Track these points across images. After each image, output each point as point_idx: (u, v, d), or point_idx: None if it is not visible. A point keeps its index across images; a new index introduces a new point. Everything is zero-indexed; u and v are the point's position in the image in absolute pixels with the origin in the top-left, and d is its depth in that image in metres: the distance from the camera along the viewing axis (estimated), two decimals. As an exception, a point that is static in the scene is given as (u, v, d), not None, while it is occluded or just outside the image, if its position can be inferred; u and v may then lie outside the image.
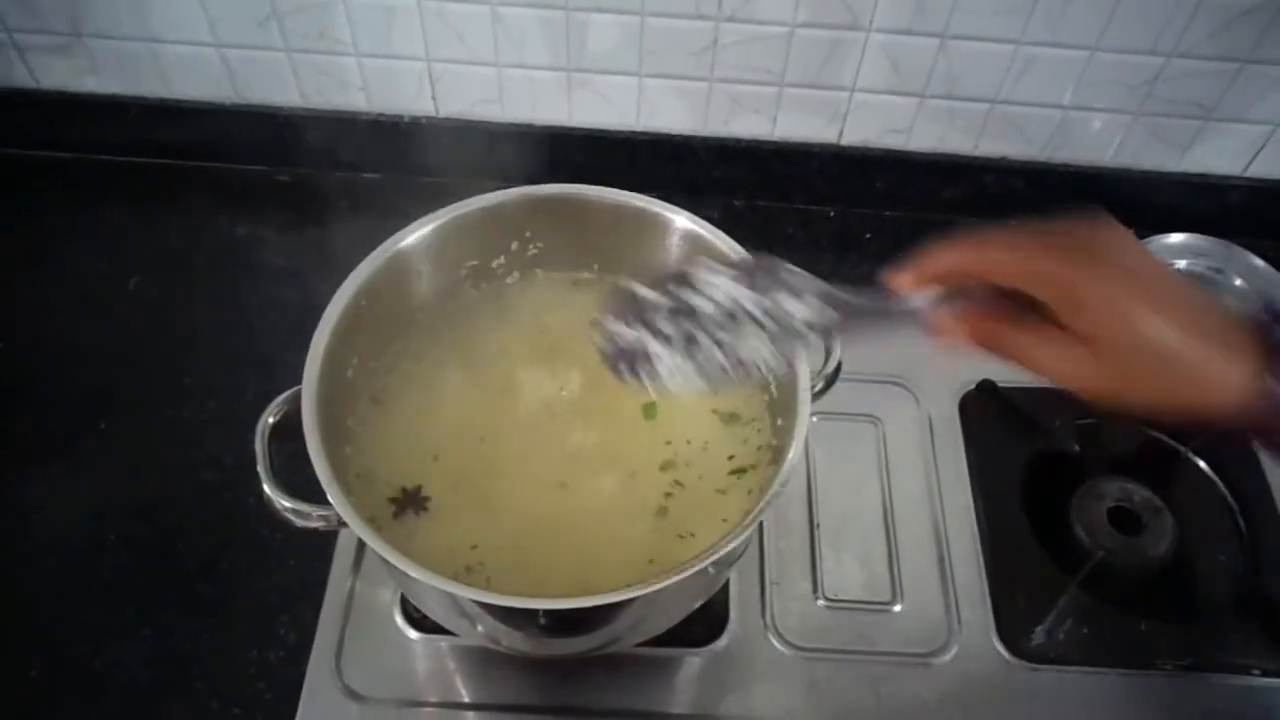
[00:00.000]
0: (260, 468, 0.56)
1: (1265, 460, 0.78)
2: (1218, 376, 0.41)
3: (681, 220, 0.65)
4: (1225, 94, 0.87)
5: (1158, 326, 0.41)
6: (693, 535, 0.61)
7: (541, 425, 0.65)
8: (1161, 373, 0.42)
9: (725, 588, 0.71)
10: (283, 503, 0.55)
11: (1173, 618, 0.70)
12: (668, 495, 0.63)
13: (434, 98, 0.92)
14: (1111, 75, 0.86)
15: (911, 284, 0.47)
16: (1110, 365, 0.42)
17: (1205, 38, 0.82)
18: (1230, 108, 0.88)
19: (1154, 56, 0.84)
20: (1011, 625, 0.70)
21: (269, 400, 0.57)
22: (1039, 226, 0.44)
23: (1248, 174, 0.94)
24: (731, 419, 0.66)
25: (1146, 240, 0.95)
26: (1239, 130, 0.90)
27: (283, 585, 0.71)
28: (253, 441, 0.56)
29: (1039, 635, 0.69)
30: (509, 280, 0.71)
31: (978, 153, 0.94)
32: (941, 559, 0.73)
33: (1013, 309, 0.44)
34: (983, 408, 0.80)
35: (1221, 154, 0.93)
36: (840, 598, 0.71)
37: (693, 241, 0.65)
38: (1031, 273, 0.43)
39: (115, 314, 0.87)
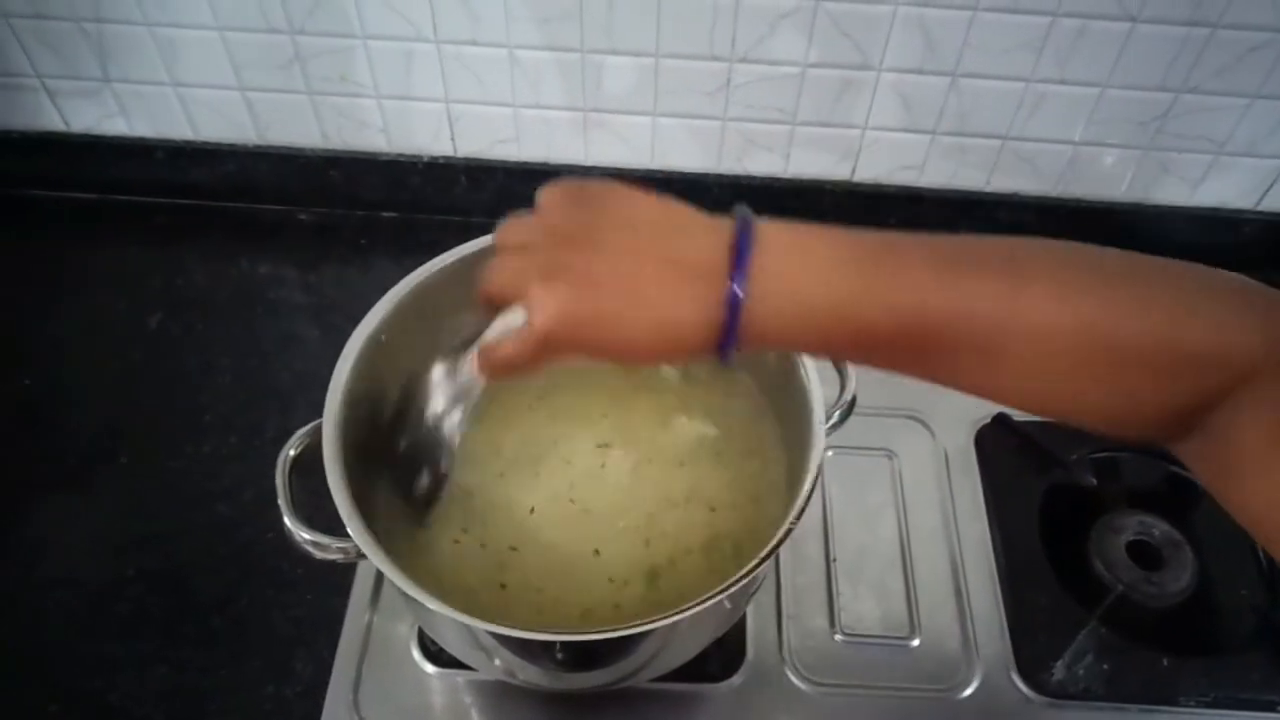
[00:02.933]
0: (281, 500, 0.56)
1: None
2: (676, 339, 0.41)
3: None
4: (1236, 128, 0.87)
5: (601, 303, 0.41)
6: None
7: (565, 461, 0.66)
8: (612, 339, 0.42)
9: (742, 622, 0.70)
10: (302, 534, 0.55)
11: (1195, 652, 0.69)
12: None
13: (452, 138, 0.94)
14: (1122, 111, 0.87)
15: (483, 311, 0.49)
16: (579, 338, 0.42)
17: (1214, 74, 0.83)
18: (1241, 142, 0.89)
19: (1163, 93, 0.85)
20: (1031, 660, 0.69)
21: (289, 436, 0.58)
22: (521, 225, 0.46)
23: (1261, 207, 0.95)
24: (749, 454, 0.66)
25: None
26: (1251, 164, 0.91)
27: (300, 620, 0.72)
28: (272, 476, 0.57)
29: (1059, 670, 0.68)
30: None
31: (990, 188, 0.95)
32: (959, 593, 0.73)
33: None
34: (998, 441, 0.80)
35: (1234, 188, 0.93)
36: (857, 632, 0.71)
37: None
38: (500, 290, 0.45)
39: (136, 351, 0.88)
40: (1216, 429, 0.40)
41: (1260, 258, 0.95)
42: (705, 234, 0.43)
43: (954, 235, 0.42)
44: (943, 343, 0.41)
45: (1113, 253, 0.42)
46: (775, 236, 0.42)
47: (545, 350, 0.44)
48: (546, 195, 0.46)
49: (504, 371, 0.47)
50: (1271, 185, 0.93)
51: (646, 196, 0.45)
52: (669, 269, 0.42)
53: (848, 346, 0.43)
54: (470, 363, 0.50)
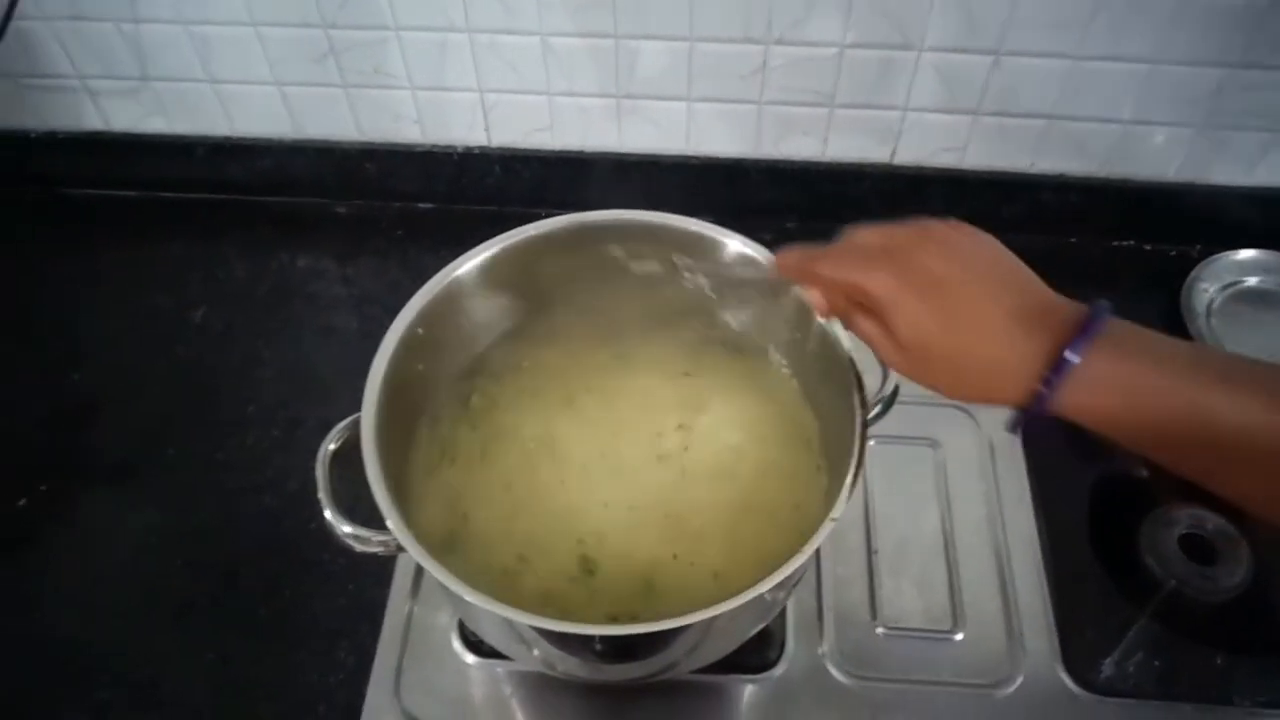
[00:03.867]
0: (321, 494, 0.56)
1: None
2: (1004, 370, 0.45)
3: (735, 244, 0.65)
4: (1295, 104, 0.84)
5: (944, 337, 0.46)
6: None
7: (613, 446, 0.66)
8: (950, 372, 0.48)
9: (782, 614, 0.70)
10: (343, 528, 0.56)
11: (1250, 651, 0.67)
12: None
13: (486, 128, 0.94)
14: (1174, 88, 0.84)
15: (781, 275, 0.55)
16: (913, 359, 0.48)
17: (1274, 47, 0.80)
18: (1301, 118, 0.86)
19: (1219, 68, 0.82)
20: (1079, 656, 0.68)
21: (330, 427, 0.58)
22: (878, 232, 0.50)
23: (1320, 186, 0.91)
24: (789, 440, 0.66)
25: (1213, 258, 0.92)
26: (1310, 141, 0.88)
27: (343, 610, 0.72)
28: (314, 468, 0.57)
29: (1108, 667, 0.67)
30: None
31: (1034, 170, 0.92)
32: (1004, 587, 0.71)
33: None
34: (1045, 430, 0.78)
35: (1293, 166, 0.90)
36: (899, 625, 0.70)
37: (746, 263, 0.65)
38: (839, 284, 0.50)
39: (181, 344, 0.90)
40: None
41: (1321, 240, 0.92)
42: (1057, 304, 0.47)
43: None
44: (1235, 453, 0.43)
45: None
46: (1121, 326, 0.45)
47: (860, 325, 0.51)
48: (898, 228, 0.50)
49: (805, 275, 0.52)
50: (1334, 162, 0.89)
51: (1000, 250, 0.49)
52: (1017, 323, 0.46)
53: (1146, 442, 0.45)
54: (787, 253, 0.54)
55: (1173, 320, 0.89)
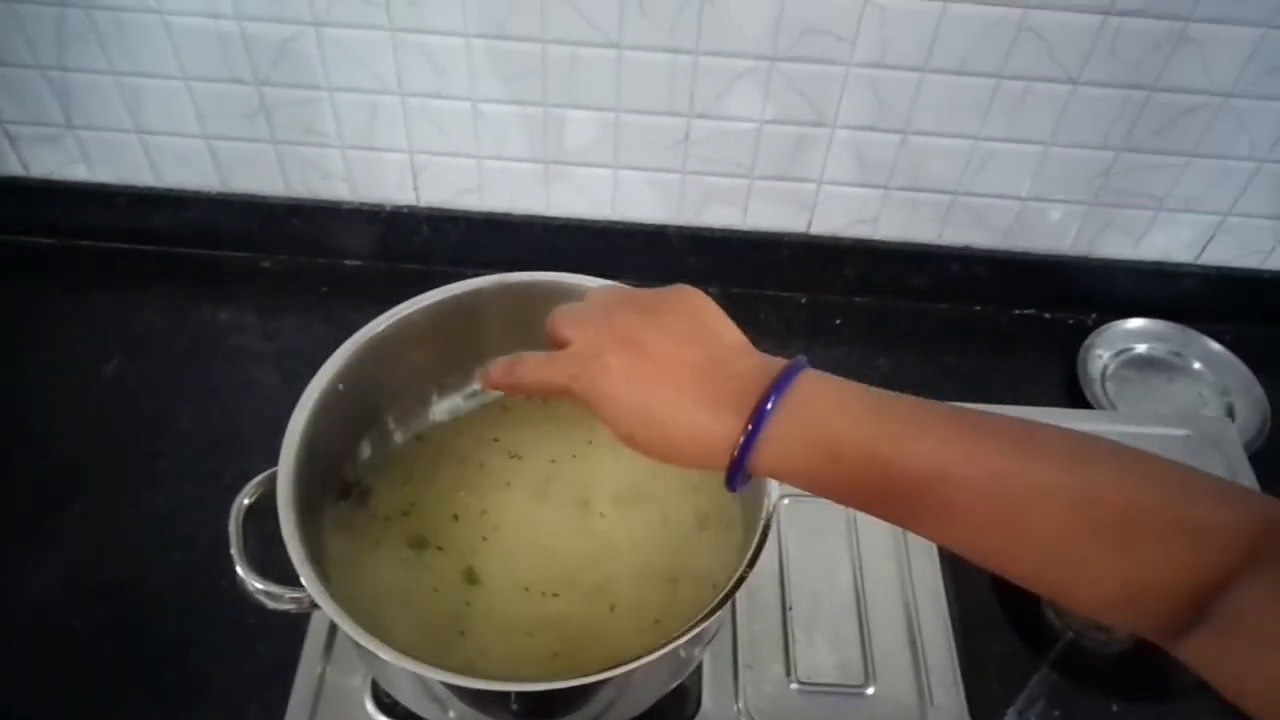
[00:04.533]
0: (234, 549, 0.56)
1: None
2: (704, 445, 0.45)
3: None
4: (1175, 185, 0.91)
5: (642, 408, 0.46)
6: (657, 622, 0.61)
7: (527, 512, 0.66)
8: (657, 438, 0.47)
9: (698, 670, 0.70)
10: (255, 585, 0.55)
11: (1144, 698, 0.71)
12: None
13: (415, 188, 0.95)
14: (1066, 168, 0.90)
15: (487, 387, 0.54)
16: (623, 431, 0.47)
17: (1152, 134, 0.87)
18: (1181, 198, 0.92)
19: (1105, 151, 0.88)
20: (984, 707, 0.70)
21: (245, 484, 0.58)
22: (580, 316, 0.51)
23: (1201, 261, 0.98)
24: (704, 498, 0.67)
25: (1106, 326, 0.98)
26: (1190, 219, 0.94)
27: (253, 671, 0.71)
28: (227, 523, 0.57)
29: (1010, 718, 0.69)
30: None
31: (942, 241, 0.97)
32: (913, 641, 0.73)
33: None
34: (951, 489, 0.82)
35: (1175, 242, 0.97)
36: (813, 680, 0.71)
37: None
38: (544, 388, 0.50)
39: (91, 397, 0.88)
40: (1227, 612, 0.38)
41: (1202, 310, 0.98)
42: (756, 365, 0.47)
43: (970, 408, 0.44)
44: (954, 501, 0.42)
45: (1105, 439, 0.43)
46: (814, 382, 0.45)
47: (561, 392, 0.49)
48: (616, 293, 0.52)
49: (510, 385, 0.52)
50: (1210, 240, 0.96)
51: (713, 322, 0.49)
52: (719, 384, 0.46)
53: (857, 493, 0.45)
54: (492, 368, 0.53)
55: (1071, 384, 0.94)
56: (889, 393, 0.45)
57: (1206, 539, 0.39)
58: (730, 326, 0.49)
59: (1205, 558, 0.38)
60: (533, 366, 0.51)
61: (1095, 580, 0.41)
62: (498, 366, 0.53)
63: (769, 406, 0.44)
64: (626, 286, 0.53)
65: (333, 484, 0.65)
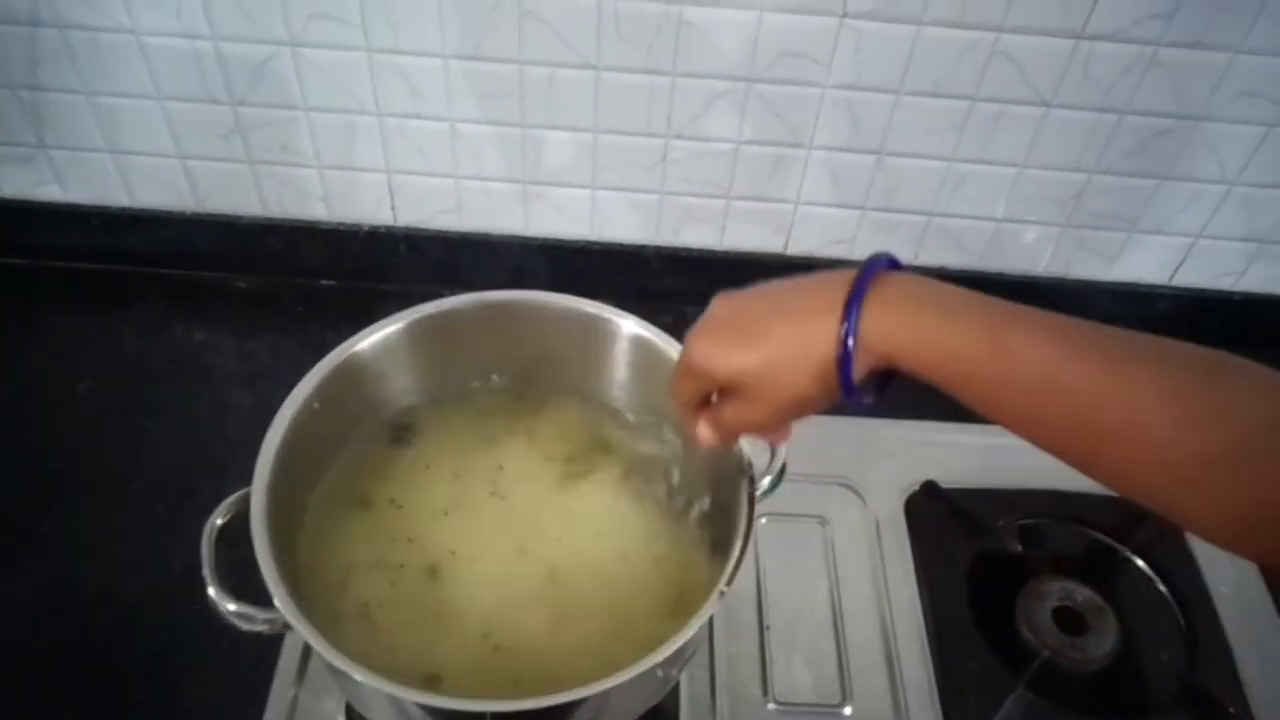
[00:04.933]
0: (206, 570, 0.55)
1: (1200, 558, 0.80)
2: (812, 350, 0.47)
3: (629, 325, 0.67)
4: (1147, 207, 0.92)
5: (753, 358, 0.49)
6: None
7: (499, 536, 0.66)
8: (782, 391, 0.49)
9: (676, 690, 0.70)
10: (227, 606, 0.54)
11: (1119, 716, 0.71)
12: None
13: (393, 208, 0.95)
14: (1039, 190, 0.91)
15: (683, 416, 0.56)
16: (756, 408, 0.51)
17: (1124, 156, 0.88)
18: (1153, 220, 0.93)
19: (1078, 173, 0.89)
20: (961, 727, 0.70)
21: (219, 504, 0.57)
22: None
23: (1173, 283, 0.99)
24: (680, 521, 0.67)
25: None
26: (1162, 242, 0.95)
27: (226, 693, 0.70)
28: (200, 545, 0.56)
29: (988, 736, 0.69)
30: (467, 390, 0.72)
31: (918, 262, 0.98)
32: (890, 659, 0.73)
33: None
34: (928, 508, 0.82)
35: (1148, 264, 0.98)
36: (790, 700, 0.71)
37: (640, 345, 0.67)
38: (685, 379, 0.53)
39: (64, 418, 0.87)
40: None
41: (1175, 332, 0.99)
42: (836, 283, 0.47)
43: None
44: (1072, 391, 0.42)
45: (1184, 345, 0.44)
46: (896, 279, 0.46)
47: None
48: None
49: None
50: (1182, 262, 0.97)
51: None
52: (811, 301, 0.48)
53: (951, 380, 0.45)
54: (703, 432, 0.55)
55: (1045, 405, 0.94)
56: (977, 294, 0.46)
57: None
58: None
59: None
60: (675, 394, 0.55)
61: (1221, 501, 0.41)
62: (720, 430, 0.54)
63: (861, 286, 0.45)
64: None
65: (308, 504, 0.65)
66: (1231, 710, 0.70)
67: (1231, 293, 0.99)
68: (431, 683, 0.58)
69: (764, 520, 0.80)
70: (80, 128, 0.89)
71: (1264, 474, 0.39)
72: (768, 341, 0.48)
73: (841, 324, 0.45)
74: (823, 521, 0.81)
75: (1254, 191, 0.90)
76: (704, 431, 0.55)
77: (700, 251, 0.97)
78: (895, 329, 0.45)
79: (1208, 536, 0.43)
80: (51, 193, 0.95)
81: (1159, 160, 0.88)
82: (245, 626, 0.54)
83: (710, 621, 0.54)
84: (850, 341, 0.45)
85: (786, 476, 0.63)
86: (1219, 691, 0.72)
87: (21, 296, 0.97)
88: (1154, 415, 0.41)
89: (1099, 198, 0.91)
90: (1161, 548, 0.80)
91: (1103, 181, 0.90)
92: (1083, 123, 0.85)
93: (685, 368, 0.53)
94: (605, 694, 0.50)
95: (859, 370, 0.46)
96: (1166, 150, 0.87)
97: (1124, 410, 0.41)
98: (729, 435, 0.55)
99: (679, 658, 0.56)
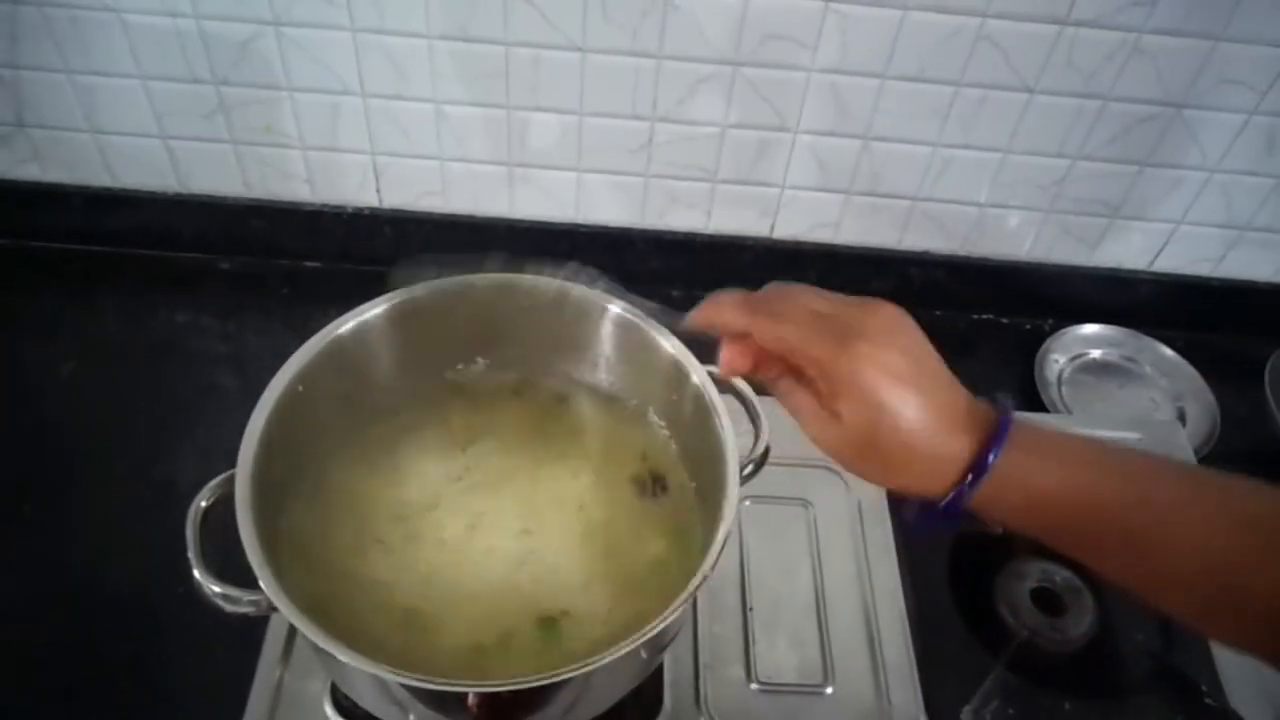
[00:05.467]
0: (191, 553, 0.55)
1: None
2: (936, 466, 0.46)
3: (616, 308, 0.67)
4: (1129, 194, 0.93)
5: (892, 419, 0.46)
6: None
7: (488, 517, 0.66)
8: (886, 457, 0.47)
9: (659, 671, 0.70)
10: (212, 588, 0.54)
11: (1096, 695, 0.72)
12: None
13: (378, 190, 0.95)
14: (1023, 175, 0.92)
15: (700, 327, 0.54)
16: (849, 441, 0.48)
17: (1106, 142, 0.88)
18: (1134, 207, 0.94)
19: (1061, 159, 0.90)
20: (941, 706, 0.71)
21: (203, 486, 0.57)
22: (820, 297, 0.50)
23: (1154, 268, 1.00)
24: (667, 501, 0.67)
25: (1063, 331, 1.00)
26: (1143, 227, 0.96)
27: (211, 677, 0.70)
28: (185, 526, 0.56)
29: (966, 716, 0.70)
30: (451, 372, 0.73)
31: (902, 246, 0.98)
32: (871, 641, 0.74)
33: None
34: (910, 491, 0.83)
35: (1129, 249, 0.99)
36: (773, 681, 0.72)
37: (624, 326, 0.67)
38: (792, 348, 0.48)
39: (46, 401, 0.86)
40: None
41: (1155, 317, 1.01)
42: (971, 404, 0.48)
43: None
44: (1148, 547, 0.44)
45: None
46: (1026, 429, 0.46)
47: (792, 394, 0.51)
48: (842, 302, 0.49)
49: (774, 343, 0.50)
50: (1163, 248, 0.98)
51: (925, 342, 0.49)
52: (946, 416, 0.46)
53: (1067, 537, 0.47)
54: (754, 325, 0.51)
55: (1028, 388, 0.95)
56: (1093, 440, 0.47)
57: None
58: (940, 359, 0.49)
59: None
60: (798, 333, 0.48)
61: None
62: (725, 309, 0.51)
63: (998, 449, 0.45)
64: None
65: (294, 485, 0.65)
66: (1204, 689, 0.72)
67: (1210, 278, 1.01)
68: (418, 658, 0.59)
69: (747, 503, 0.81)
70: (61, 107, 0.88)
71: None
72: (904, 449, 0.46)
73: (962, 483, 0.46)
74: (806, 504, 0.82)
75: (1233, 179, 0.91)
76: (732, 358, 0.52)
77: (686, 235, 0.97)
78: (995, 504, 0.46)
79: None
80: (31, 172, 0.94)
81: (1141, 147, 0.89)
82: (230, 608, 0.54)
83: (694, 603, 0.54)
84: (960, 502, 0.46)
85: (770, 459, 0.64)
86: (1193, 672, 0.73)
87: (2, 278, 0.96)
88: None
89: (1081, 184, 0.92)
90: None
91: (1085, 168, 0.91)
92: (1066, 109, 0.86)
93: (819, 357, 0.47)
94: (589, 675, 0.51)
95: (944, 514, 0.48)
96: (1148, 137, 0.88)
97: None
98: (781, 392, 0.52)
99: (662, 639, 0.56)
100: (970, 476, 0.46)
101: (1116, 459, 0.46)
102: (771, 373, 0.52)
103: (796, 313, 0.49)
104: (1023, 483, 0.46)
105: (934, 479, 0.47)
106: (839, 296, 0.50)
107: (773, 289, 0.52)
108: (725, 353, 0.53)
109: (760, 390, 0.65)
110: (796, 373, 0.50)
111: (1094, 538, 0.46)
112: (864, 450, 0.47)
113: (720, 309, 0.52)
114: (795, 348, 0.48)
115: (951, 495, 0.46)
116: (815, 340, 0.47)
